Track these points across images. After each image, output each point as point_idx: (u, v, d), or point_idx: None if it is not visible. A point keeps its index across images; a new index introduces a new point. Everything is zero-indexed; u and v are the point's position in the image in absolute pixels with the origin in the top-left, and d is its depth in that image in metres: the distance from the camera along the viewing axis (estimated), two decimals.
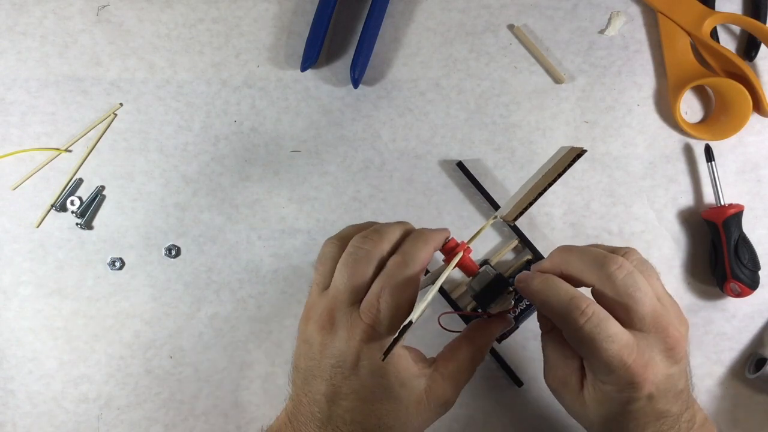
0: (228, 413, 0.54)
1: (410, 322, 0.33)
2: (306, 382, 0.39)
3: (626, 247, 0.39)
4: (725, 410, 0.54)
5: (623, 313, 0.36)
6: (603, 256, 0.36)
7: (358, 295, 0.38)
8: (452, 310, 0.53)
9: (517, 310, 0.52)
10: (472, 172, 0.54)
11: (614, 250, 0.39)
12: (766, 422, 0.54)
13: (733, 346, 0.55)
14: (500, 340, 0.53)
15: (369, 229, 0.40)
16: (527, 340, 0.54)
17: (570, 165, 0.37)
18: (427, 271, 0.49)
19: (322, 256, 0.41)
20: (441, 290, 0.53)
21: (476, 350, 0.41)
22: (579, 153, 0.37)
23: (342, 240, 0.41)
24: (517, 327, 0.53)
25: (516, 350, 0.54)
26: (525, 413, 0.54)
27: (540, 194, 0.38)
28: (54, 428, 0.54)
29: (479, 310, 0.42)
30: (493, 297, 0.40)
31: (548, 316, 0.38)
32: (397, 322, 0.36)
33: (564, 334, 0.37)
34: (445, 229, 0.41)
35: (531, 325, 0.54)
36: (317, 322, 0.38)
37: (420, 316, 0.33)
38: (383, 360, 0.35)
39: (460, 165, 0.54)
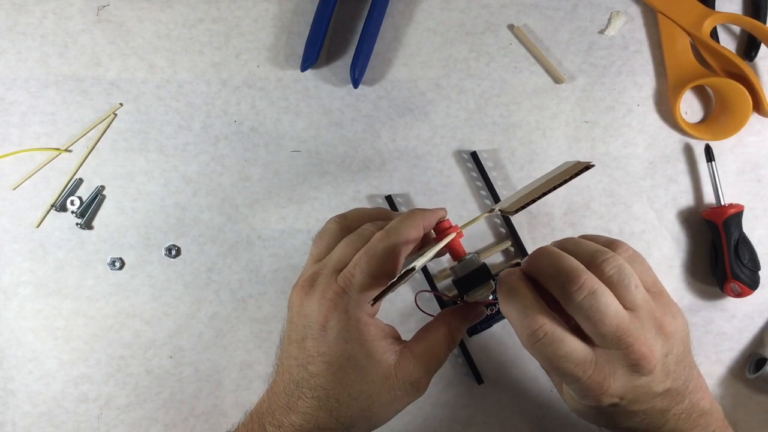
0: (228, 413, 0.54)
1: (413, 268, 0.33)
2: (284, 350, 0.40)
3: (616, 242, 0.39)
4: (725, 410, 0.54)
5: (586, 328, 0.35)
6: (567, 272, 0.35)
7: (344, 266, 0.38)
8: (430, 290, 0.53)
9: (494, 309, 0.52)
10: (483, 164, 0.55)
11: (608, 243, 0.38)
12: (766, 422, 0.54)
13: (733, 346, 0.55)
14: (471, 333, 0.53)
15: (383, 220, 0.41)
16: (496, 340, 0.54)
17: (576, 175, 0.37)
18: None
19: (322, 231, 0.42)
20: (425, 272, 0.54)
21: (448, 335, 0.41)
22: (587, 166, 0.37)
23: (345, 219, 0.42)
24: (490, 326, 0.53)
25: (484, 348, 0.54)
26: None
27: (543, 194, 0.38)
28: (54, 428, 0.54)
29: (458, 299, 0.42)
30: (473, 285, 0.40)
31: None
32: (368, 289, 0.37)
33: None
34: (441, 209, 0.42)
35: (502, 327, 0.54)
36: (300, 285, 0.39)
37: (418, 267, 0.34)
38: (372, 305, 0.36)
39: (474, 155, 0.54)
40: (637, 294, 0.36)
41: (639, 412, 0.37)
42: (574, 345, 0.35)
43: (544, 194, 0.38)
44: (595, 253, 0.37)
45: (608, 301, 0.34)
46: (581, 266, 0.36)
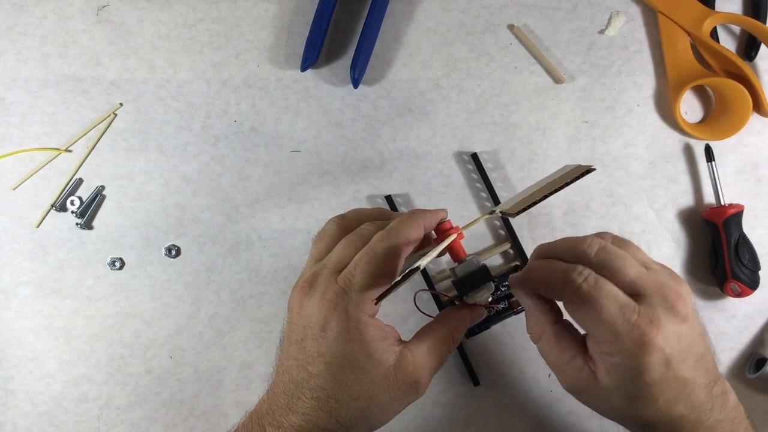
0: (228, 413, 0.54)
1: (418, 267, 0.34)
2: (284, 351, 0.40)
3: (596, 235, 0.40)
4: None
5: (614, 280, 0.36)
6: (563, 273, 0.36)
7: (344, 266, 0.39)
8: (428, 289, 0.53)
9: (493, 310, 0.52)
10: (484, 165, 0.55)
11: (582, 241, 0.39)
12: (766, 422, 0.54)
13: (733, 346, 0.55)
14: (469, 335, 0.53)
15: (383, 220, 0.41)
16: (496, 341, 0.54)
17: (577, 178, 0.38)
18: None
19: (322, 231, 0.42)
20: (423, 273, 0.54)
21: (448, 335, 0.41)
22: (588, 170, 0.37)
23: (345, 220, 0.42)
24: (488, 327, 0.53)
25: (484, 349, 0.54)
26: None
27: (544, 197, 0.38)
28: (54, 428, 0.54)
29: (457, 300, 0.42)
30: (473, 286, 0.41)
31: (547, 291, 0.39)
32: (369, 289, 0.37)
33: (565, 307, 0.38)
34: (442, 210, 0.42)
35: (502, 328, 0.54)
36: (300, 286, 0.39)
37: (423, 266, 0.35)
38: (376, 303, 0.36)
39: (475, 157, 0.54)
40: (642, 255, 0.37)
41: (686, 382, 0.35)
42: (616, 288, 0.36)
43: (545, 197, 0.38)
44: (578, 239, 0.38)
45: (619, 253, 0.36)
46: (574, 249, 0.37)
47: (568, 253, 0.38)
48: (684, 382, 0.36)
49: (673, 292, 0.35)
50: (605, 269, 0.36)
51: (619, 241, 0.38)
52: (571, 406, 0.54)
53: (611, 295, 0.35)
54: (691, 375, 0.36)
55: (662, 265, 0.38)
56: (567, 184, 0.38)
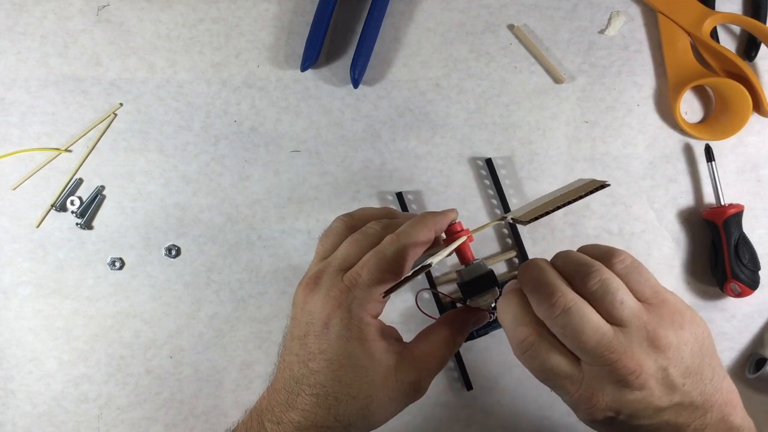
0: (228, 413, 0.54)
1: (429, 264, 0.33)
2: (286, 347, 0.40)
3: (612, 252, 0.37)
4: None
5: (567, 345, 0.35)
6: (543, 289, 0.35)
7: (349, 265, 0.39)
8: (430, 288, 0.53)
9: (493, 316, 0.52)
10: (490, 168, 0.55)
11: (604, 254, 0.37)
12: (766, 422, 0.54)
13: (733, 346, 0.55)
14: (467, 339, 0.53)
15: (389, 219, 0.41)
16: (494, 343, 0.54)
17: (591, 192, 0.37)
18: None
19: (328, 230, 0.42)
20: (426, 273, 0.54)
21: (449, 338, 0.41)
22: (602, 185, 0.37)
23: (351, 218, 0.42)
24: (487, 332, 0.53)
25: (481, 351, 0.54)
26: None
27: (557, 208, 0.38)
28: (54, 428, 0.54)
29: (459, 303, 0.42)
30: (479, 291, 0.40)
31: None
32: (374, 289, 0.37)
33: None
34: (452, 212, 0.41)
35: (501, 331, 0.53)
36: (305, 283, 0.39)
37: (434, 264, 0.35)
38: (384, 297, 0.36)
39: (489, 162, 0.54)
40: (624, 310, 0.34)
41: (648, 426, 0.35)
42: (560, 359, 0.35)
43: (558, 208, 0.38)
44: (580, 267, 0.36)
45: (585, 317, 0.34)
46: (557, 283, 0.35)
47: (534, 299, 0.36)
48: (643, 427, 0.35)
49: (627, 364, 0.33)
50: (562, 334, 0.34)
51: (603, 286, 0.35)
52: None
53: (554, 368, 0.35)
54: (653, 422, 0.35)
55: (651, 310, 0.35)
56: (580, 197, 0.37)
